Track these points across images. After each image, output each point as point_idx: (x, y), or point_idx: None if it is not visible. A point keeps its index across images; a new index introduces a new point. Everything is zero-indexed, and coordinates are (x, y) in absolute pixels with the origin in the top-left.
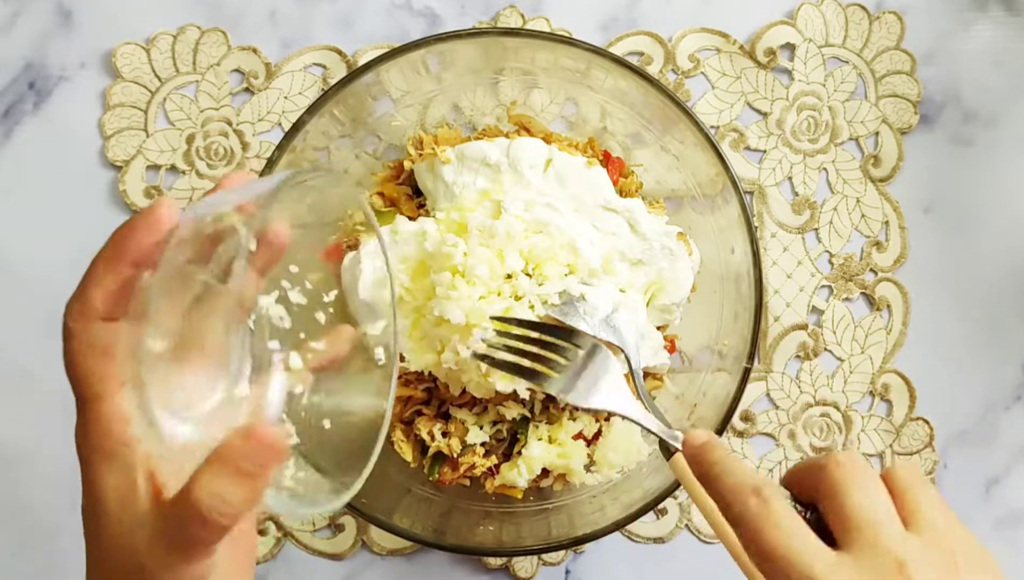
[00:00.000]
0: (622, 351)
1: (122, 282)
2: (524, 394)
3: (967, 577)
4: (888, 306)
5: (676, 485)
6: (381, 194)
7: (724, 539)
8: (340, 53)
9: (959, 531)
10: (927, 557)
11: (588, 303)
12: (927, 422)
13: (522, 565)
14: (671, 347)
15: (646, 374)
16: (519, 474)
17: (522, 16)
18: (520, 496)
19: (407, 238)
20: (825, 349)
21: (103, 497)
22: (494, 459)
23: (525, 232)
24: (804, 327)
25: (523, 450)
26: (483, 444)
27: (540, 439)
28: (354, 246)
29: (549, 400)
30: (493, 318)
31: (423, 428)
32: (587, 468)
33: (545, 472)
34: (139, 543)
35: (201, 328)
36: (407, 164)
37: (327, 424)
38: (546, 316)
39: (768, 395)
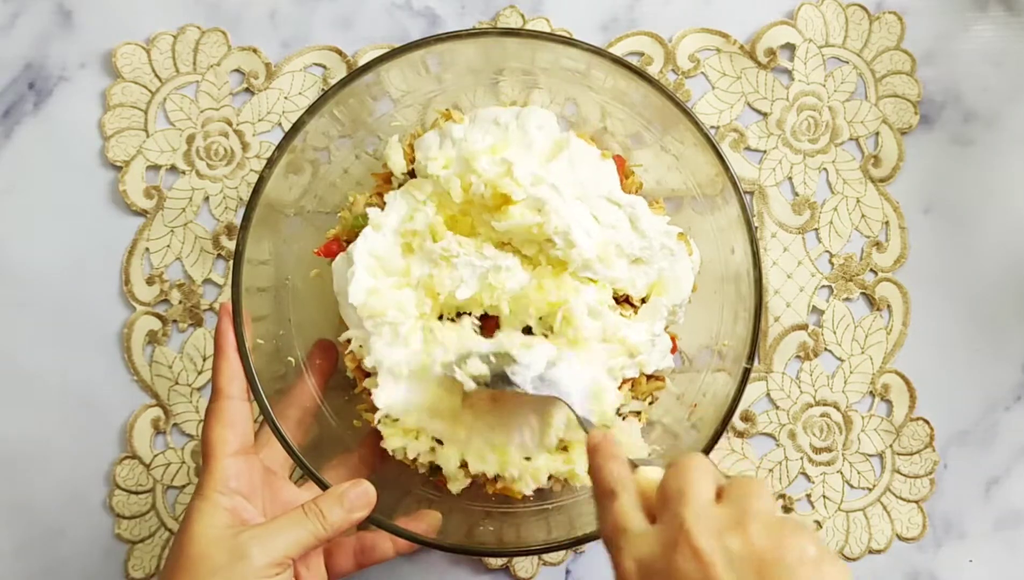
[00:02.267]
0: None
1: (233, 366)
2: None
3: (755, 528)
4: (888, 306)
5: None
6: (380, 194)
7: None
8: (340, 53)
9: (767, 505)
10: (713, 516)
11: (519, 365)
12: (927, 422)
13: (522, 565)
14: (672, 347)
15: (651, 377)
16: (525, 484)
17: (522, 16)
18: (520, 496)
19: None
20: (825, 349)
21: (194, 520)
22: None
23: (523, 208)
24: (804, 327)
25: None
26: None
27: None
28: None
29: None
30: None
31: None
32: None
33: None
34: (216, 557)
35: None
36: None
37: None
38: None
39: (768, 395)
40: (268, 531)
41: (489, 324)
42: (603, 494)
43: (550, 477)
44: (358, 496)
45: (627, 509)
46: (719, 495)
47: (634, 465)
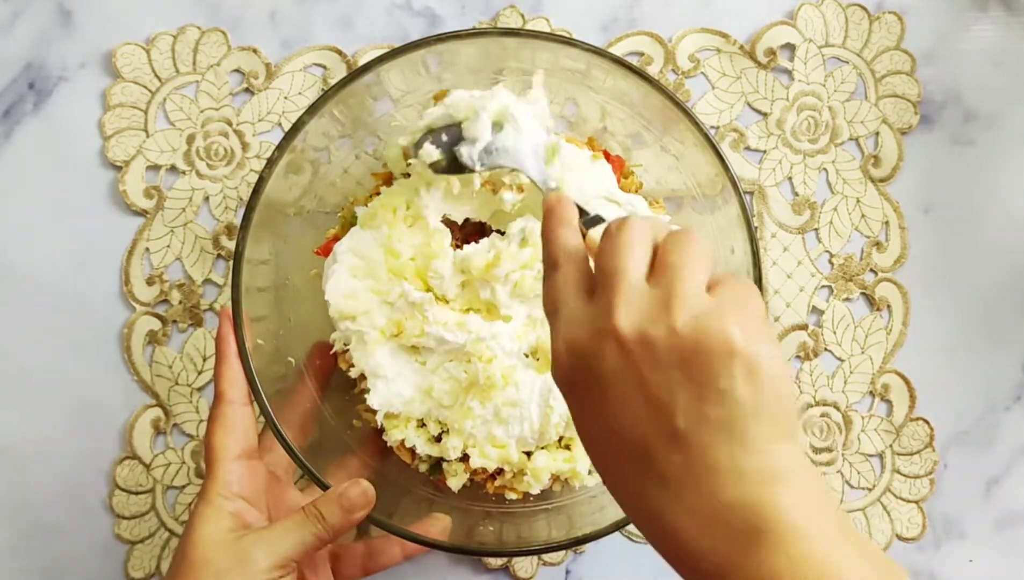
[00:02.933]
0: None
1: (234, 371)
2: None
3: (679, 316)
4: (888, 306)
5: None
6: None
7: None
8: (340, 53)
9: (696, 281)
10: (640, 301)
11: (466, 141)
12: (927, 422)
13: (522, 565)
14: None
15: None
16: (528, 485)
17: (522, 16)
18: (520, 496)
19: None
20: (825, 349)
21: (198, 525)
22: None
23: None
24: (804, 327)
25: (530, 461)
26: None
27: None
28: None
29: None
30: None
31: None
32: (590, 471)
33: None
34: (220, 561)
35: None
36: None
37: None
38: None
39: None
40: (270, 534)
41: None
42: (547, 263)
43: (554, 478)
44: (357, 496)
45: (564, 284)
46: (651, 273)
47: (595, 223)
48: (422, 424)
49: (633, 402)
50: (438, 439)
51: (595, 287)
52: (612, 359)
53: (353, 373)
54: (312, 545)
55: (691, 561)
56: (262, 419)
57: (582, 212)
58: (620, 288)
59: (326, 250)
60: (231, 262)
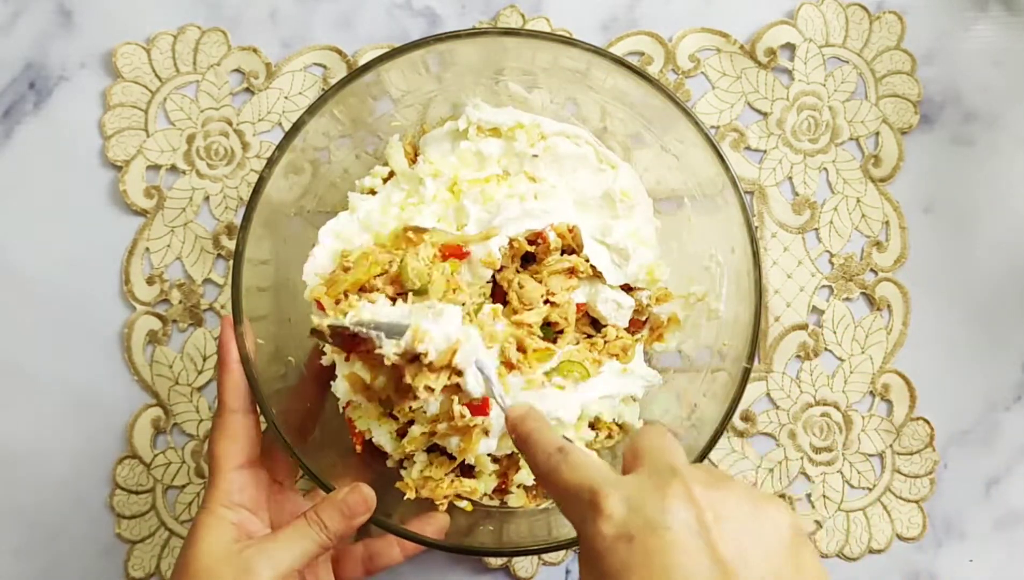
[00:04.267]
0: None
1: (236, 379)
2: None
3: (737, 495)
4: (888, 306)
5: None
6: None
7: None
8: (340, 53)
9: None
10: (700, 471)
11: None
12: (927, 422)
13: (522, 565)
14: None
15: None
16: (516, 499)
17: (522, 16)
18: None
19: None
20: (825, 349)
21: (200, 535)
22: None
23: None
24: (804, 327)
25: (515, 477)
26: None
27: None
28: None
29: None
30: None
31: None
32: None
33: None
34: (222, 573)
35: None
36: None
37: None
38: None
39: (768, 395)
40: (273, 545)
41: None
42: (551, 453)
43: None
44: (357, 502)
45: (591, 459)
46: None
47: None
48: (391, 415)
49: (699, 557)
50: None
51: (634, 464)
52: (682, 513)
53: (325, 360)
54: (314, 553)
55: None
56: (263, 420)
57: None
58: (681, 455)
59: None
60: (231, 262)
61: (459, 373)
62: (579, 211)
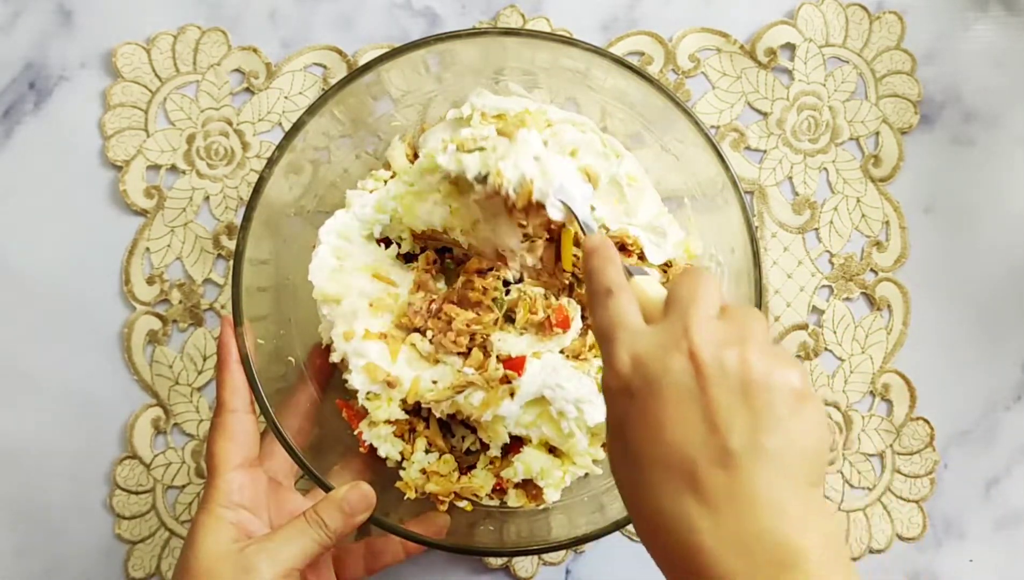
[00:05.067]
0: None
1: (235, 379)
2: None
3: (753, 350)
4: (888, 306)
5: None
6: None
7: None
8: (340, 53)
9: (766, 333)
10: (715, 328)
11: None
12: (927, 422)
13: (522, 565)
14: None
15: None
16: (516, 499)
17: (522, 16)
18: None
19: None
20: (825, 349)
21: (200, 536)
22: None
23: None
24: (804, 327)
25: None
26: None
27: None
28: None
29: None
30: None
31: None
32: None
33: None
34: (223, 573)
35: None
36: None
37: None
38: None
39: None
40: (273, 544)
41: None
42: (600, 293)
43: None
44: (358, 500)
45: (625, 306)
46: (722, 313)
47: (629, 274)
48: (404, 403)
49: (691, 417)
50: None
51: (661, 314)
52: (680, 372)
53: (335, 357)
54: (314, 552)
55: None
56: (263, 422)
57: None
58: (699, 312)
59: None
60: (231, 262)
61: (541, 206)
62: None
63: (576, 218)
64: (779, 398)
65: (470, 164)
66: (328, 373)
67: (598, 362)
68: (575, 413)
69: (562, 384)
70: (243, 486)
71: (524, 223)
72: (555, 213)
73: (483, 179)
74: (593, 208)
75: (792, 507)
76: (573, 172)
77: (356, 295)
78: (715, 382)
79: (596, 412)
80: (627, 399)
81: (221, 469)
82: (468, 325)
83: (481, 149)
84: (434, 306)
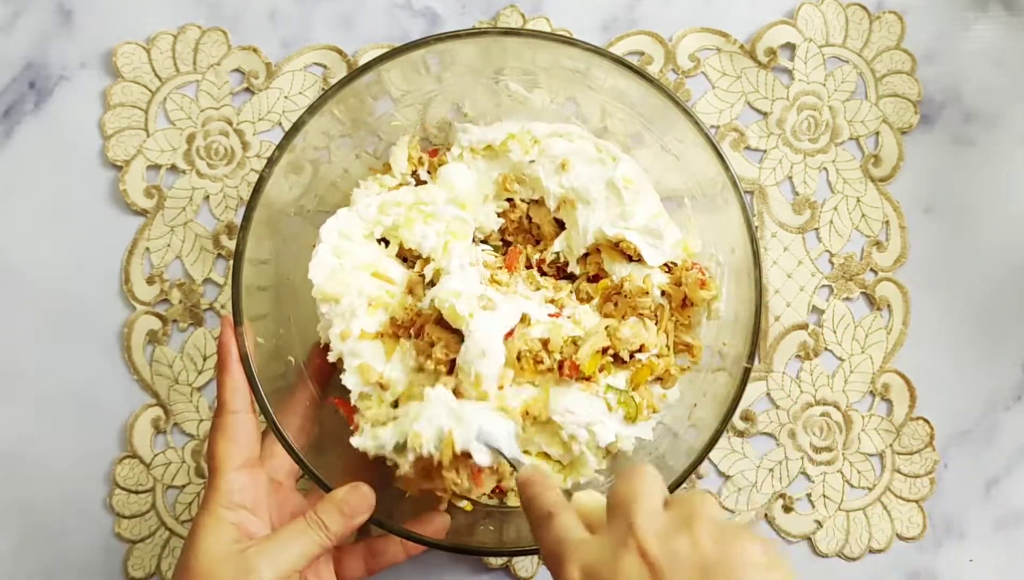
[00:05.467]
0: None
1: (236, 379)
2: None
3: (703, 531)
4: (888, 306)
5: (677, 485)
6: None
7: None
8: (340, 53)
9: (713, 511)
10: (660, 520)
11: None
12: (927, 422)
13: (522, 565)
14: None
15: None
16: (516, 499)
17: (522, 16)
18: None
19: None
20: (825, 349)
21: (200, 537)
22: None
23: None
24: (804, 327)
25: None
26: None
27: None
28: None
29: None
30: None
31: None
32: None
33: None
34: (223, 574)
35: None
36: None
37: None
38: None
39: (768, 395)
40: (274, 545)
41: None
42: (541, 517)
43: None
44: (357, 501)
45: (568, 524)
46: (667, 505)
47: (568, 494)
48: (395, 404)
49: None
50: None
51: (605, 521)
52: (633, 571)
53: (331, 357)
54: (315, 553)
55: None
56: (264, 422)
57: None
58: (641, 508)
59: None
60: (231, 261)
61: (468, 455)
62: (584, 208)
63: (504, 457)
64: (741, 569)
65: (386, 438)
66: (328, 373)
67: (605, 381)
68: (586, 436)
69: (571, 409)
70: (244, 487)
71: (457, 481)
72: (482, 458)
73: (401, 448)
74: (519, 437)
75: None
76: (490, 413)
77: (355, 293)
78: (670, 574)
79: (607, 432)
80: None
81: (222, 470)
82: (446, 355)
83: (394, 419)
84: (415, 326)
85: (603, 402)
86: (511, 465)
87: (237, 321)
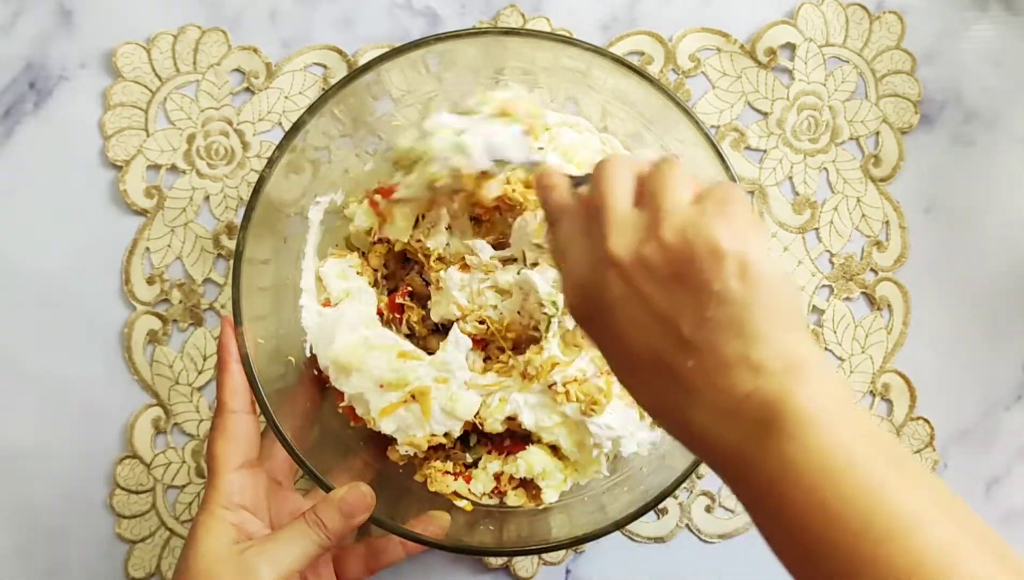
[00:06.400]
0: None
1: (236, 380)
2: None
3: (666, 230)
4: (888, 306)
5: (677, 484)
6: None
7: None
8: (341, 53)
9: (678, 196)
10: (628, 225)
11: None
12: (928, 422)
13: (522, 565)
14: None
15: None
16: (516, 498)
17: (522, 16)
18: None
19: None
20: (826, 348)
21: (200, 537)
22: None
23: None
24: None
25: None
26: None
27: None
28: None
29: None
30: None
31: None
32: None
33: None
34: (223, 575)
35: None
36: None
37: None
38: None
39: None
40: (274, 546)
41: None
42: (549, 220)
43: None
44: (356, 500)
45: (564, 232)
46: (639, 199)
47: (578, 183)
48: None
49: (641, 320)
50: None
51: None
52: (614, 285)
53: (321, 364)
54: (314, 553)
55: (715, 454)
56: (264, 421)
57: (573, 178)
58: (608, 217)
59: (384, 193)
60: (231, 261)
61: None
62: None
63: (514, 161)
64: (708, 265)
65: (412, 184)
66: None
67: None
68: (609, 447)
69: (611, 424)
70: (244, 487)
71: (483, 207)
72: (486, 165)
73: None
74: (535, 140)
75: (765, 362)
76: (491, 123)
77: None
78: (643, 280)
79: (631, 443)
80: (585, 324)
81: (221, 470)
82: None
83: (416, 161)
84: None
85: (636, 411)
86: (527, 170)
87: (237, 321)
